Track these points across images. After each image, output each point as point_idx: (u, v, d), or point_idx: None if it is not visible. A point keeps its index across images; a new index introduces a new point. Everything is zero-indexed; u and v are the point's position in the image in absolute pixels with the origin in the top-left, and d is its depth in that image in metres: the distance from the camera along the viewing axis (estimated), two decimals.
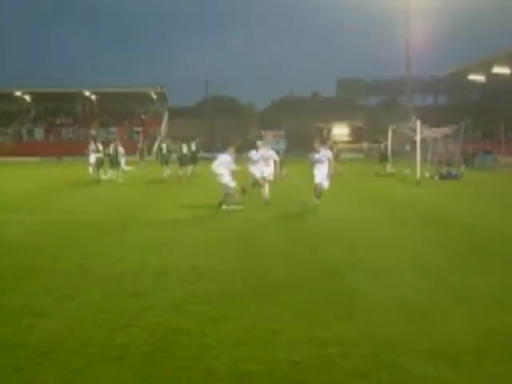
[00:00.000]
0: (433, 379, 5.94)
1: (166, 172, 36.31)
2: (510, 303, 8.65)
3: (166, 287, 9.70)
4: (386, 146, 44.20)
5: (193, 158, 38.67)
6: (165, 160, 37.16)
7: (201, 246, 13.49)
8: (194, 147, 39.57)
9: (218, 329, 7.49)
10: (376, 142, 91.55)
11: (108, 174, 36.30)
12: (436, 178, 37.38)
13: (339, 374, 6.07)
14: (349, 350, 6.69)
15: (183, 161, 37.31)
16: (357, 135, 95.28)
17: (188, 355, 6.62)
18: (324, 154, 20.70)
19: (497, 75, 64.27)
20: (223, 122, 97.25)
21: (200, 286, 9.71)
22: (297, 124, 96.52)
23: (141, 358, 6.62)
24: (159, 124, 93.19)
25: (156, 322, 7.87)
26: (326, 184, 20.52)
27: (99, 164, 35.99)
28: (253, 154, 23.56)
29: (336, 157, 32.96)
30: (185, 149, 37.85)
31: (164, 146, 39.11)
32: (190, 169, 37.68)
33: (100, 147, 36.68)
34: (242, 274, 10.52)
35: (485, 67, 63.15)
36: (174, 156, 38.71)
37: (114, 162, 35.62)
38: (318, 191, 20.54)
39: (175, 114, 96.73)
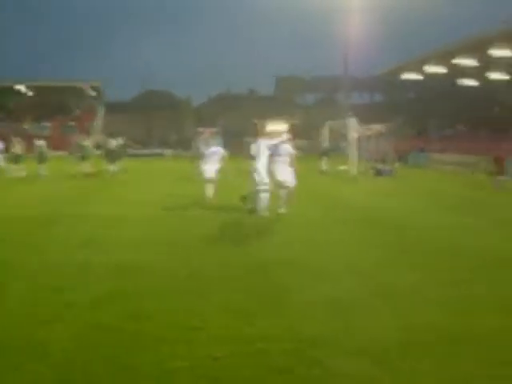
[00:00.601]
0: (354, 376, 5.97)
1: (87, 167, 35.81)
2: (434, 299, 8.78)
3: (90, 283, 9.57)
4: (327, 145, 44.60)
5: (120, 154, 38.52)
6: (85, 155, 36.55)
7: (128, 242, 13.35)
8: (121, 142, 39.48)
9: (141, 325, 7.41)
10: (310, 138, 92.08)
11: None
12: (371, 174, 37.88)
13: (260, 369, 6.07)
14: (271, 347, 6.69)
15: (110, 156, 37.07)
16: (294, 132, 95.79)
17: (110, 352, 6.54)
18: (285, 148, 18.41)
19: (431, 74, 65.26)
20: (160, 117, 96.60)
21: (124, 283, 9.60)
22: (233, 120, 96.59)
23: (62, 354, 6.51)
24: (94, 119, 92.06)
25: (79, 317, 7.76)
26: (293, 183, 18.09)
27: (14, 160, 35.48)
28: (207, 149, 22.37)
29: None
30: (112, 144, 37.69)
31: (86, 142, 38.51)
32: (117, 164, 37.32)
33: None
34: (169, 271, 10.45)
35: (419, 66, 64.07)
36: (94, 151, 38.56)
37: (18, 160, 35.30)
38: (284, 194, 18.19)
39: (112, 108, 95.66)
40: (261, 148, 17.64)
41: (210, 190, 21.32)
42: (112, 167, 36.50)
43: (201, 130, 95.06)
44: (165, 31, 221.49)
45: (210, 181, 21.50)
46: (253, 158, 17.81)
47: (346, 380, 5.91)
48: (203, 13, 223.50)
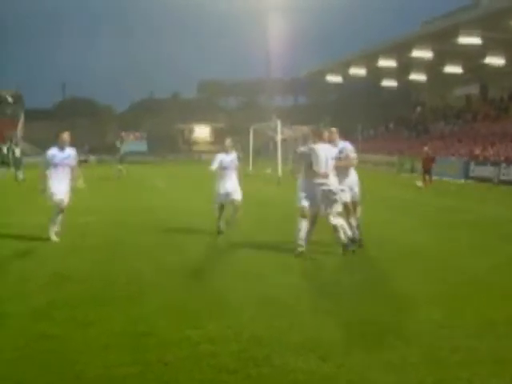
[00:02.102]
0: (302, 372, 6.07)
1: (20, 175, 35.76)
2: (375, 296, 8.99)
3: (28, 293, 9.41)
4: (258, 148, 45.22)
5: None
6: (17, 163, 36.78)
7: (64, 251, 13.20)
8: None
9: (86, 333, 7.35)
10: (236, 142, 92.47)
11: None
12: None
13: (209, 371, 6.11)
14: (218, 348, 6.74)
15: (16, 163, 37.43)
16: (218, 137, 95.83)
17: (57, 361, 6.47)
18: (233, 157, 15.63)
19: (354, 76, 66.23)
20: (81, 124, 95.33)
21: (64, 292, 9.49)
22: (158, 125, 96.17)
23: (6, 365, 6.41)
24: (15, 127, 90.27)
25: (20, 328, 7.63)
26: (239, 197, 15.47)
27: None
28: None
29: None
30: (17, 152, 37.92)
31: (17, 149, 38.61)
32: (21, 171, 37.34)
33: None
34: (109, 278, 10.38)
35: (342, 68, 64.97)
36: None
37: None
38: (234, 209, 15.54)
39: (32, 116, 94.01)
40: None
41: None
42: (20, 174, 36.53)
43: (123, 134, 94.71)
44: (85, 36, 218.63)
45: None
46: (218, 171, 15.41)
47: (294, 376, 6.01)
48: (125, 18, 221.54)
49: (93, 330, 7.50)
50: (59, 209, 14.23)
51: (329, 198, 12.07)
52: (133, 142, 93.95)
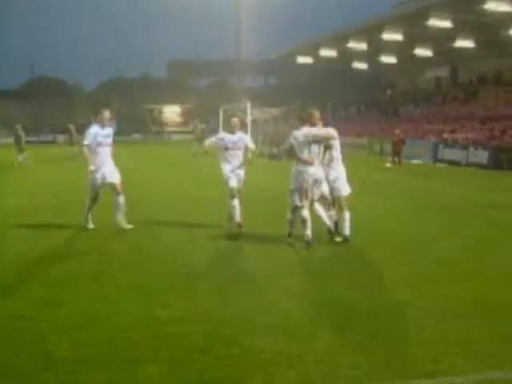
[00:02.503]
0: (270, 351, 6.11)
1: None
2: (345, 278, 9.06)
3: None
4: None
5: None
6: None
7: (34, 231, 13.14)
8: None
9: (55, 313, 7.35)
10: (205, 123, 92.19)
11: None
12: (265, 157, 38.28)
13: (178, 350, 6.14)
14: (188, 328, 6.78)
15: None
16: (188, 117, 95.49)
17: (26, 341, 6.47)
18: (242, 136, 13.30)
19: (324, 57, 66.14)
20: (50, 104, 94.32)
21: (33, 272, 9.48)
22: (127, 105, 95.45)
23: None
24: None
25: None
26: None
27: None
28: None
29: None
30: None
31: None
32: None
33: None
34: (78, 258, 10.36)
35: (312, 50, 64.83)
36: None
37: None
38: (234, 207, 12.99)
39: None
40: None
41: None
42: None
43: (94, 115, 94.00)
44: (54, 16, 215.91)
45: None
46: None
47: (262, 355, 6.04)
48: None
49: (62, 310, 7.51)
50: (116, 191, 13.46)
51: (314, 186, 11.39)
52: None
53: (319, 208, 11.64)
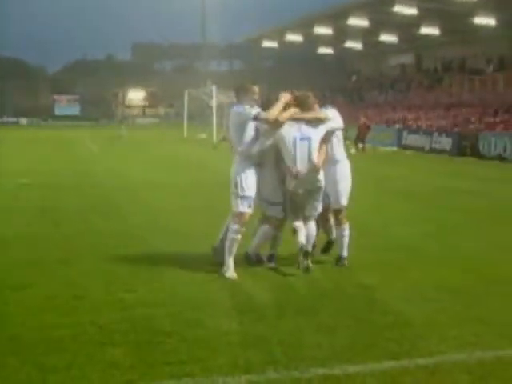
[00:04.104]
0: (236, 333, 6.15)
1: None
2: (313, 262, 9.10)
3: None
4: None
5: None
6: None
7: None
8: None
9: (20, 297, 7.30)
10: (170, 106, 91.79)
11: None
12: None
13: (144, 333, 6.14)
14: (152, 311, 6.78)
15: None
16: (153, 101, 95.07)
17: None
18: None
19: (290, 42, 66.12)
20: (12, 86, 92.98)
21: None
22: (91, 88, 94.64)
23: None
24: None
25: None
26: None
27: None
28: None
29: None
30: None
31: None
32: None
33: None
34: (42, 242, 10.30)
35: (279, 34, 64.79)
36: None
37: None
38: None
39: None
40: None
41: None
42: None
43: (56, 97, 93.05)
44: None
45: None
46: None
47: (228, 337, 6.08)
48: None
49: (27, 292, 7.45)
50: None
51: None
52: (66, 106, 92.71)
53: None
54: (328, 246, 9.47)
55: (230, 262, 8.25)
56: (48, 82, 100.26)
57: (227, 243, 8.29)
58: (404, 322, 6.55)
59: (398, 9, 45.92)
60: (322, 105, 9.21)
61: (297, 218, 8.54)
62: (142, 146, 36.30)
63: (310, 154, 8.25)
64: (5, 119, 79.48)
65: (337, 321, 6.57)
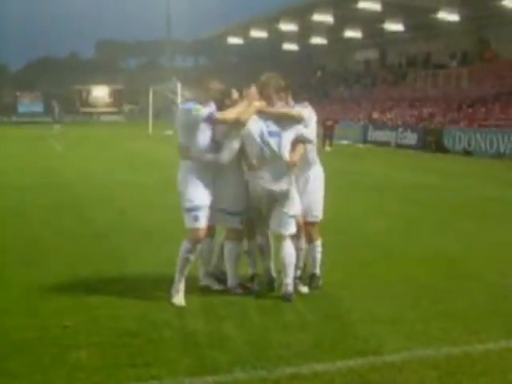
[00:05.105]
0: (202, 334, 6.11)
1: None
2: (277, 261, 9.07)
3: None
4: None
5: None
6: None
7: None
8: None
9: None
10: (135, 103, 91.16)
11: None
12: None
13: (110, 334, 6.07)
14: (118, 312, 6.70)
15: None
16: (117, 98, 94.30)
17: None
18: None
19: (255, 38, 66.04)
20: None
21: None
22: (54, 86, 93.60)
23: None
24: None
25: None
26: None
27: None
28: None
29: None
30: None
31: None
32: None
33: None
34: (6, 243, 10.17)
35: (244, 30, 64.69)
36: None
37: None
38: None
39: None
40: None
41: None
42: None
43: (19, 94, 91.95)
44: None
45: None
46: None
47: (195, 337, 6.05)
48: None
49: None
50: None
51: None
52: (28, 103, 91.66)
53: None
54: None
55: (181, 285, 7.16)
56: (10, 80, 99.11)
57: (178, 263, 7.20)
58: (371, 319, 6.55)
59: (362, 5, 46.08)
60: (296, 100, 7.97)
61: (261, 233, 7.59)
62: (107, 144, 36.05)
63: (279, 151, 7.11)
64: None
65: (303, 319, 6.57)
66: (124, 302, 7.07)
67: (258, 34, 63.87)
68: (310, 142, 7.51)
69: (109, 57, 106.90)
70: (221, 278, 7.64)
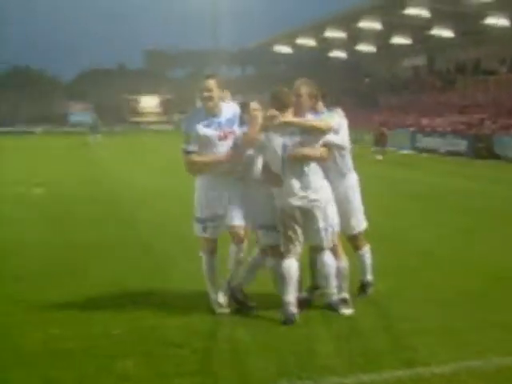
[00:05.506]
0: (247, 343, 6.04)
1: None
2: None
3: None
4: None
5: None
6: None
7: (7, 223, 13.04)
8: None
9: (22, 308, 7.21)
10: (184, 112, 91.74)
11: None
12: None
13: (154, 344, 6.05)
14: (162, 322, 6.68)
15: None
16: (167, 107, 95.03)
17: None
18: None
19: (302, 46, 66.10)
20: (27, 94, 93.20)
21: (8, 265, 9.42)
22: (104, 96, 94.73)
23: None
24: None
25: None
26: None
27: None
28: None
29: None
30: None
31: None
32: None
33: None
34: (54, 252, 10.27)
35: (290, 39, 64.80)
36: None
37: None
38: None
39: None
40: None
41: None
42: None
43: (70, 104, 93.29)
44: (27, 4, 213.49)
45: None
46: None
47: (240, 347, 6.01)
48: None
49: (32, 305, 7.33)
50: None
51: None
52: (81, 113, 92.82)
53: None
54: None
55: (216, 296, 7.05)
56: (62, 90, 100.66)
57: (206, 276, 7.19)
58: (422, 329, 6.41)
59: (410, 11, 45.78)
60: (328, 106, 7.36)
61: (292, 250, 6.88)
62: (154, 152, 36.26)
63: (303, 166, 6.76)
64: (17, 127, 79.09)
65: (349, 328, 6.47)
66: (168, 311, 7.04)
67: (305, 42, 63.92)
68: (342, 148, 7.18)
69: (156, 67, 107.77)
70: (237, 296, 7.14)
